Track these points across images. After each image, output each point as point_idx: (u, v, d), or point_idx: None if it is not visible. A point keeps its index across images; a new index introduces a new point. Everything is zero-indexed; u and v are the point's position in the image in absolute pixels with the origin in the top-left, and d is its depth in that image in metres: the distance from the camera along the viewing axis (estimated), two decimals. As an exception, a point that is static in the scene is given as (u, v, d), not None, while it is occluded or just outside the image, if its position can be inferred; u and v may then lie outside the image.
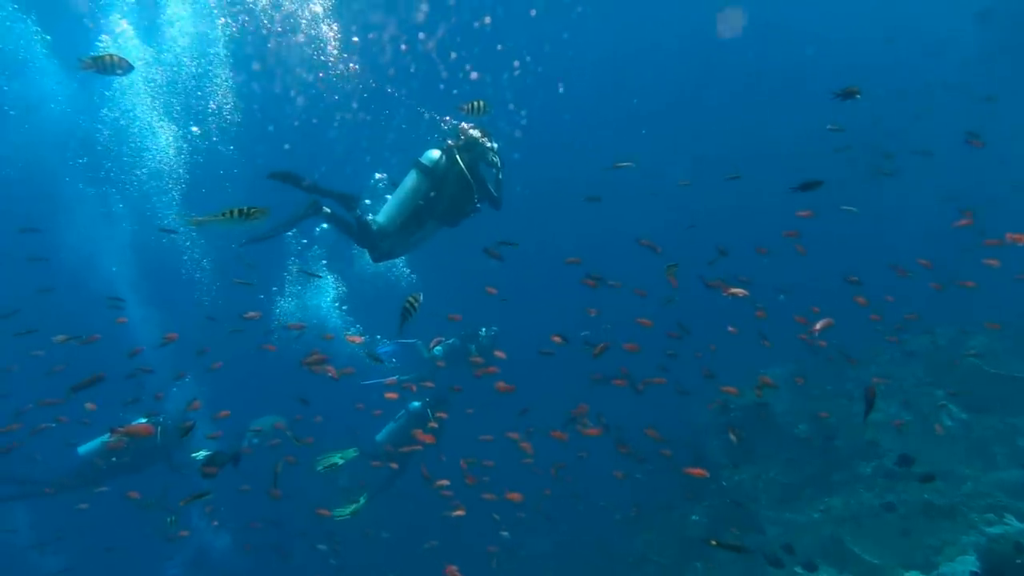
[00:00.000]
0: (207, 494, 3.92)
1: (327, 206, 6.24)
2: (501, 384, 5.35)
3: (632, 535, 9.50)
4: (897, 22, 17.40)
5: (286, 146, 16.52)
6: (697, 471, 5.45)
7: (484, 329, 9.55)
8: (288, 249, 11.56)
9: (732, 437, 7.03)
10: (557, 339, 5.49)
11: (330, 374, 5.40)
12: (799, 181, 3.79)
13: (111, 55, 3.99)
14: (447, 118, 6.65)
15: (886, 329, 8.96)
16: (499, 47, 17.13)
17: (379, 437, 8.64)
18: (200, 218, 3.47)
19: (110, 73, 4.05)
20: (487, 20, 16.42)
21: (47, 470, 7.12)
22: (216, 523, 8.70)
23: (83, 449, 7.02)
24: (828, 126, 4.44)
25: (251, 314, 6.14)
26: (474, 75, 16.99)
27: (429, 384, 7.87)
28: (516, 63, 17.92)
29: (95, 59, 4.02)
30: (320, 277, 9.66)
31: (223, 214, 3.45)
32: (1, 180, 12.59)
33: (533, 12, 17.05)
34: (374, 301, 12.68)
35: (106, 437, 6.94)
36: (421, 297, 4.51)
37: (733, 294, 4.85)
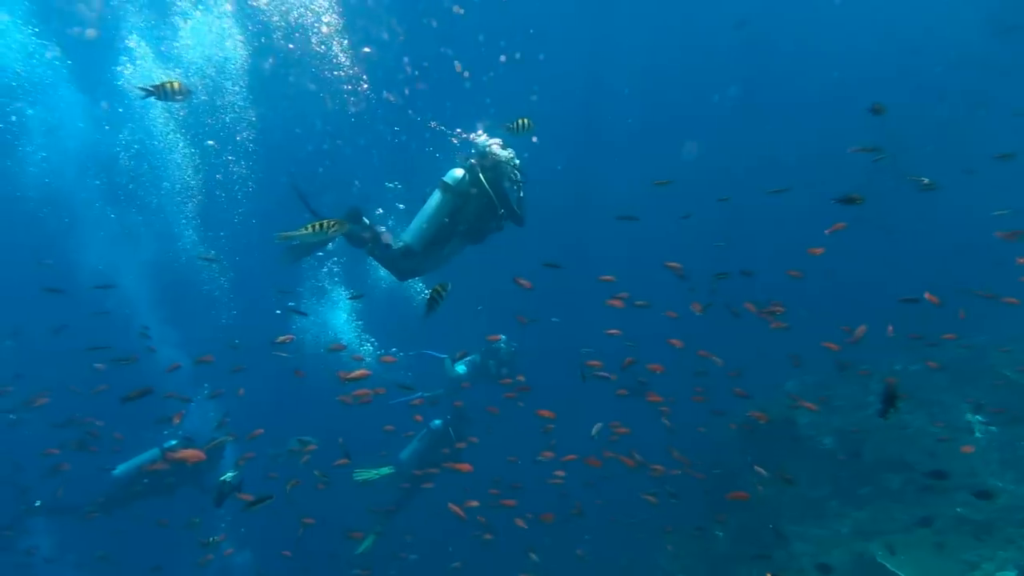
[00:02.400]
0: (271, 498, 3.94)
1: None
2: (544, 411, 5.31)
3: (658, 554, 9.40)
4: (920, 33, 17.30)
5: (293, 170, 16.65)
6: (739, 495, 5.37)
7: (504, 343, 9.50)
8: (304, 264, 11.62)
9: (760, 471, 6.95)
10: (596, 364, 5.47)
11: (365, 396, 5.39)
12: (841, 194, 3.75)
13: (171, 82, 4.00)
14: (458, 131, 6.69)
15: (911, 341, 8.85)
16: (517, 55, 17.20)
17: (403, 456, 8.63)
18: (287, 233, 3.58)
19: (170, 99, 4.06)
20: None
21: (85, 493, 7.19)
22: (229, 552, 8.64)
23: (119, 470, 7.09)
24: (850, 149, 4.41)
25: (283, 338, 6.17)
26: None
27: (458, 403, 7.85)
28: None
29: (156, 87, 4.04)
30: (305, 315, 9.67)
31: (307, 228, 3.56)
32: (26, 201, 12.75)
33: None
34: (389, 316, 12.70)
35: (143, 457, 7.04)
36: (450, 286, 4.51)
37: (768, 317, 4.81)
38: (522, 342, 9.64)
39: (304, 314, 7.44)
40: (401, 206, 9.09)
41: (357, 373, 4.86)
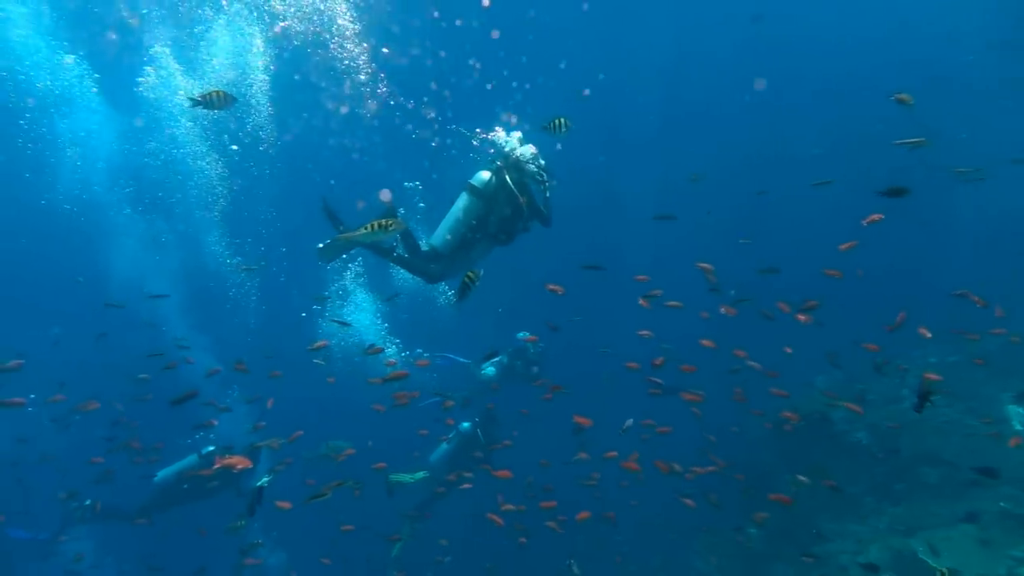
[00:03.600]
0: (325, 495, 4.01)
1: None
2: (581, 419, 5.29)
3: (692, 554, 9.33)
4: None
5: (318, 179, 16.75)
6: (781, 497, 5.30)
7: (530, 344, 9.47)
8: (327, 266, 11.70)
9: (802, 480, 6.87)
10: (634, 366, 5.43)
11: (404, 398, 5.42)
12: (885, 186, 3.66)
13: (216, 92, 4.10)
14: (479, 130, 6.67)
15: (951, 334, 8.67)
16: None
17: (432, 458, 8.66)
18: (347, 234, 3.68)
19: (216, 108, 4.16)
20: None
21: (129, 498, 7.35)
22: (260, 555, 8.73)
23: (160, 476, 7.23)
24: (896, 142, 4.28)
25: (318, 344, 6.23)
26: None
27: (490, 406, 7.85)
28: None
29: (203, 96, 4.13)
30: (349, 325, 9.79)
31: (365, 228, 3.70)
32: (58, 213, 13.04)
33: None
34: (413, 317, 12.76)
35: (182, 464, 7.18)
36: (481, 273, 4.53)
37: (806, 318, 4.73)
38: (549, 342, 9.61)
39: (347, 324, 7.49)
40: (422, 205, 9.10)
41: (396, 374, 4.87)
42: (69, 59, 11.03)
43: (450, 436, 8.76)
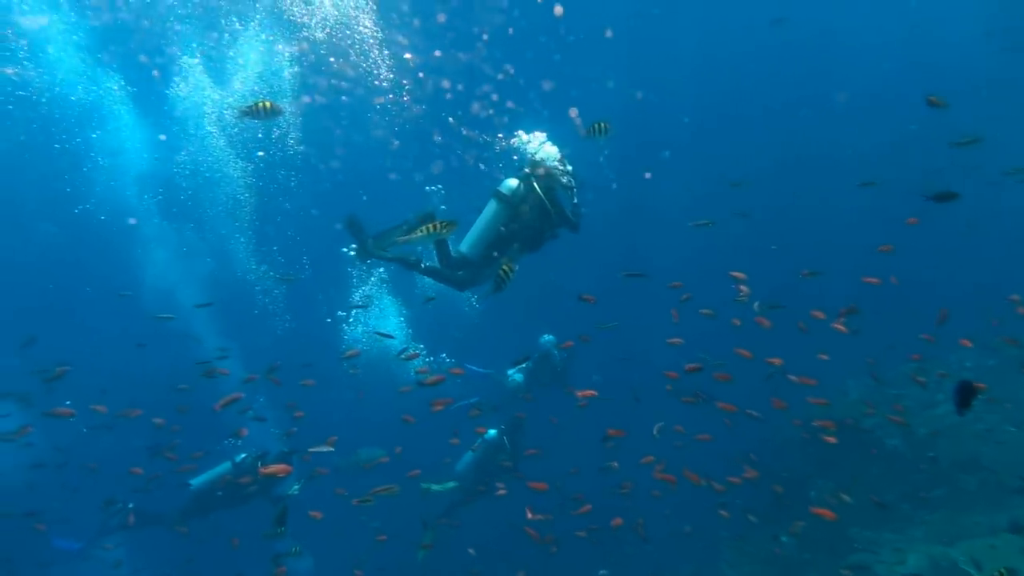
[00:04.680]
0: (369, 500, 4.09)
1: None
2: (613, 431, 5.27)
3: (722, 563, 9.21)
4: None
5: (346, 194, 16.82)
6: (826, 512, 5.21)
7: (556, 350, 9.44)
8: (352, 272, 11.80)
9: (844, 498, 6.79)
10: (673, 375, 5.40)
11: (439, 407, 5.45)
12: (934, 191, 3.58)
13: (264, 102, 4.20)
14: (499, 136, 6.68)
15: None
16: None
17: (458, 467, 8.68)
18: (404, 237, 3.75)
19: (264, 118, 4.25)
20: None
21: (165, 506, 7.48)
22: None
23: (195, 482, 7.35)
24: (955, 142, 4.17)
25: (351, 352, 6.29)
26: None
27: (520, 415, 7.85)
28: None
29: (250, 107, 4.22)
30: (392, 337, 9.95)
31: (422, 230, 3.90)
32: (93, 222, 13.36)
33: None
34: (438, 321, 12.77)
35: (217, 471, 7.29)
36: (516, 267, 4.55)
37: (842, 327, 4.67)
38: (578, 348, 9.55)
39: (391, 336, 7.55)
40: (443, 207, 9.13)
41: (435, 378, 4.91)
42: (103, 72, 11.33)
43: (476, 444, 8.77)
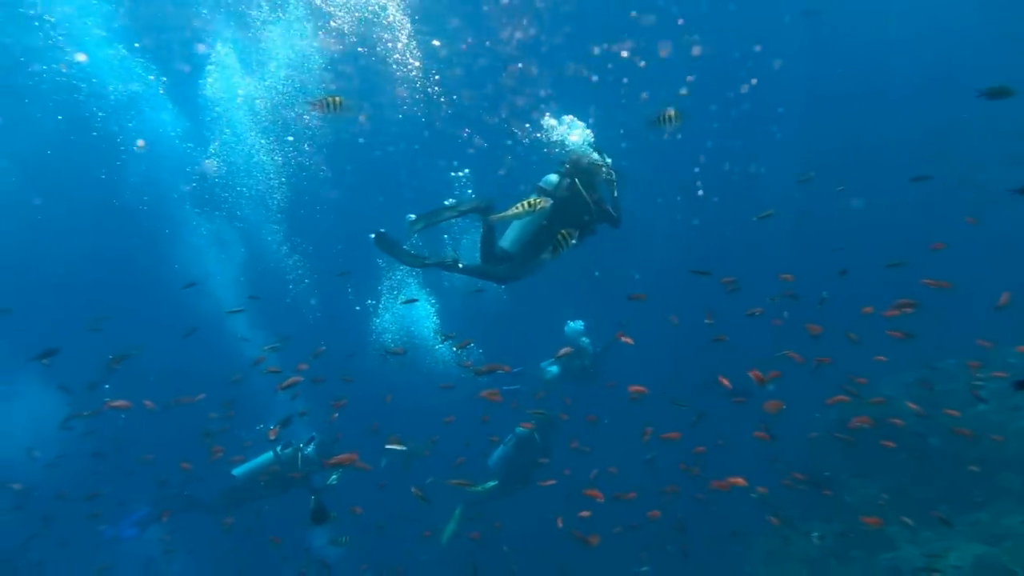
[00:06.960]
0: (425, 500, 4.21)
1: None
2: (650, 431, 5.23)
3: (754, 557, 9.18)
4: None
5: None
6: (873, 520, 5.15)
7: (590, 344, 9.35)
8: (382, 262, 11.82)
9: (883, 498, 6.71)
10: (725, 381, 5.35)
11: (492, 398, 5.45)
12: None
13: (332, 97, 4.22)
14: (526, 126, 6.63)
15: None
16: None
17: (490, 462, 8.73)
18: (501, 214, 4.49)
19: (332, 112, 4.27)
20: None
21: (209, 493, 7.63)
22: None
23: (238, 471, 7.47)
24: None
25: (396, 350, 6.31)
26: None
27: (564, 416, 7.82)
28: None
29: (320, 101, 4.27)
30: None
31: (519, 207, 4.24)
32: (127, 211, 13.53)
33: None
34: (465, 316, 12.77)
35: (259, 460, 7.42)
36: (575, 236, 4.60)
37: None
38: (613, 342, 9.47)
39: (451, 336, 7.57)
40: (470, 191, 9.08)
41: (492, 366, 4.91)
42: (137, 62, 11.40)
43: (506, 439, 8.80)
